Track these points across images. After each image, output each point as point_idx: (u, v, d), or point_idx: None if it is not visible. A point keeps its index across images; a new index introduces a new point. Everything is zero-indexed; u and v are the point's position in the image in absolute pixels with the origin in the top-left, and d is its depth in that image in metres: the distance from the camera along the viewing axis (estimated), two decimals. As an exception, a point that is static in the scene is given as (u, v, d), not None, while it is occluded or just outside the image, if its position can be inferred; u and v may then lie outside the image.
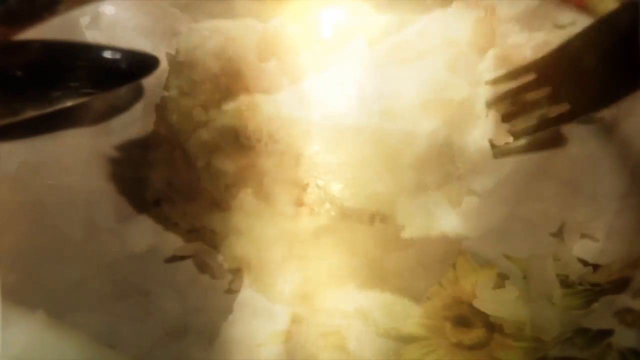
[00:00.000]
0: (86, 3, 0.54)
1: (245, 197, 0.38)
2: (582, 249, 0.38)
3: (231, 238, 0.38)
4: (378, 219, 0.38)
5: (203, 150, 0.39)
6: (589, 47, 0.45)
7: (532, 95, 0.45)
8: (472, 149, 0.42)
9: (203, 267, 0.39)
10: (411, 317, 0.35)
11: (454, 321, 0.35)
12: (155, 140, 0.43)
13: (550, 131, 0.45)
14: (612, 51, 0.44)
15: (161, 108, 0.42)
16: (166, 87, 0.41)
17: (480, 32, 0.43)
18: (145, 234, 0.41)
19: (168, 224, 0.41)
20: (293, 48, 0.40)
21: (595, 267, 0.37)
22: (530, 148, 0.45)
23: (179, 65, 0.40)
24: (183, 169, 0.41)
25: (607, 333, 0.32)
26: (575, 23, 0.49)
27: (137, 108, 0.50)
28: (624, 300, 0.34)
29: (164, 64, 0.44)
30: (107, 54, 0.51)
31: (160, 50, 0.48)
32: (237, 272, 0.38)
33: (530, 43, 0.47)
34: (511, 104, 0.45)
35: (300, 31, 0.41)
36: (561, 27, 0.50)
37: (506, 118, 0.44)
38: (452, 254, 0.38)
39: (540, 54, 0.46)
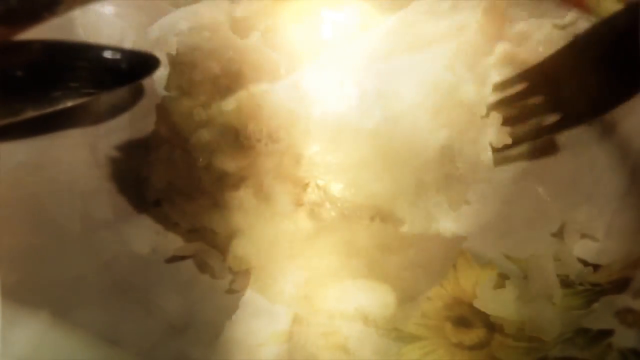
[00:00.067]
0: (86, 3, 0.54)
1: (245, 197, 0.38)
2: (582, 249, 0.38)
3: (231, 238, 0.38)
4: (378, 219, 0.38)
5: (203, 150, 0.39)
6: (586, 53, 0.45)
7: (528, 102, 0.45)
8: (473, 149, 0.42)
9: (203, 267, 0.39)
10: (411, 317, 0.35)
11: (454, 321, 0.35)
12: (156, 140, 0.43)
13: (544, 139, 0.44)
14: (611, 56, 0.44)
15: (162, 108, 0.42)
16: (167, 87, 0.41)
17: (486, 26, 0.43)
18: (145, 233, 0.41)
19: (168, 223, 0.41)
20: (293, 47, 0.40)
21: (596, 267, 0.37)
22: (523, 156, 0.44)
23: (179, 65, 0.40)
24: (183, 169, 0.41)
25: (607, 333, 0.32)
26: (575, 23, 0.49)
27: (138, 108, 0.50)
28: (625, 300, 0.34)
29: (164, 64, 0.44)
30: (108, 54, 0.51)
31: (160, 50, 0.48)
32: (237, 272, 0.38)
33: (537, 36, 0.47)
34: (511, 109, 0.45)
35: (300, 31, 0.41)
36: (561, 27, 0.50)
37: (506, 122, 0.44)
38: (452, 254, 0.38)
39: (544, 51, 0.46)
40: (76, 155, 0.46)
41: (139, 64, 0.50)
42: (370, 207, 0.38)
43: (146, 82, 0.50)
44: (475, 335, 0.35)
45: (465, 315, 0.36)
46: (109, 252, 0.39)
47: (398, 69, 0.41)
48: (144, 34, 0.53)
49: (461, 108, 0.41)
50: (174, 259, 0.39)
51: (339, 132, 0.39)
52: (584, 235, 0.39)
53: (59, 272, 0.38)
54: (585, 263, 0.37)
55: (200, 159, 0.39)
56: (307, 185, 0.38)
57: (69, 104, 0.47)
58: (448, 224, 0.39)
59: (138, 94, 0.51)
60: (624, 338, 0.32)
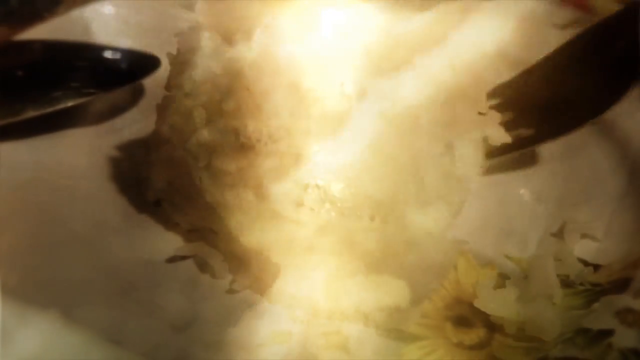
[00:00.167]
0: (86, 3, 0.54)
1: (245, 197, 0.38)
2: (582, 249, 0.38)
3: (231, 238, 0.38)
4: (378, 219, 0.38)
5: (203, 150, 0.39)
6: (584, 53, 0.45)
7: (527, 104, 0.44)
8: (473, 149, 0.42)
9: (204, 267, 0.39)
10: (412, 317, 0.35)
11: (455, 321, 0.35)
12: (156, 140, 0.43)
13: (524, 151, 0.43)
14: (609, 56, 0.44)
15: (162, 108, 0.42)
16: (167, 87, 0.41)
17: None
18: (145, 233, 0.41)
19: (169, 223, 0.41)
20: (293, 47, 0.40)
21: (596, 267, 0.37)
22: (504, 167, 0.43)
23: (180, 65, 0.40)
24: (184, 169, 0.41)
25: (607, 333, 0.32)
26: (575, 23, 0.49)
27: (138, 108, 0.50)
28: (625, 300, 0.34)
29: (165, 64, 0.44)
30: (108, 54, 0.51)
31: (160, 50, 0.48)
32: (237, 272, 0.38)
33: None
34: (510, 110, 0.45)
35: (300, 31, 0.41)
36: (561, 27, 0.50)
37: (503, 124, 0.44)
38: (452, 254, 0.38)
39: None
40: (77, 155, 0.46)
41: (139, 64, 0.50)
42: (370, 207, 0.38)
43: (146, 82, 0.50)
44: (475, 335, 0.35)
45: (465, 315, 0.36)
46: (110, 252, 0.39)
47: (398, 69, 0.41)
48: (144, 34, 0.53)
49: (461, 108, 0.41)
50: (175, 259, 0.39)
51: (339, 132, 0.39)
52: (584, 235, 0.39)
53: (65, 271, 0.38)
54: (585, 263, 0.38)
55: (200, 159, 0.39)
56: (307, 185, 0.38)
57: (70, 104, 0.47)
58: (448, 224, 0.39)
59: (138, 94, 0.51)
60: (624, 338, 0.32)
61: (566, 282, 0.36)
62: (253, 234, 0.38)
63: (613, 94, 0.43)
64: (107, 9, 0.54)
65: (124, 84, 0.49)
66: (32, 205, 0.42)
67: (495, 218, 0.41)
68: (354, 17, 0.43)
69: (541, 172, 0.44)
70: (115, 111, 0.50)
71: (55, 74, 0.49)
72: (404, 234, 0.38)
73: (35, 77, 0.48)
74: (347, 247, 0.37)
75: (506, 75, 0.46)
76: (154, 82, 0.48)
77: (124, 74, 0.49)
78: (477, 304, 0.36)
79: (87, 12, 0.54)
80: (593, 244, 0.39)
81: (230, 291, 0.37)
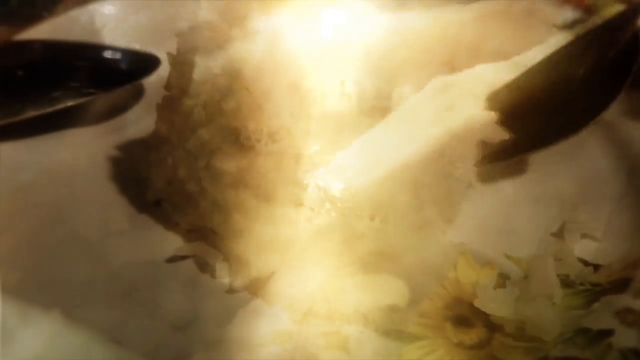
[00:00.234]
0: (86, 3, 0.54)
1: (245, 197, 0.38)
2: (582, 248, 0.38)
3: (231, 238, 0.38)
4: (378, 219, 0.38)
5: (203, 150, 0.39)
6: (584, 55, 0.45)
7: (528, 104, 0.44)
8: (473, 149, 0.42)
9: (204, 267, 0.39)
10: (410, 316, 0.35)
11: (455, 321, 0.35)
12: (156, 140, 0.43)
13: (519, 157, 0.43)
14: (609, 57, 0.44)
15: (162, 108, 0.42)
16: (167, 87, 0.41)
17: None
18: (145, 233, 0.41)
19: (169, 223, 0.41)
20: (293, 47, 0.40)
21: (596, 267, 0.37)
22: (497, 175, 0.43)
23: (179, 65, 0.40)
24: (184, 169, 0.41)
25: (607, 333, 0.32)
26: (575, 23, 0.49)
27: (138, 108, 0.50)
28: (625, 300, 0.34)
29: (164, 64, 0.44)
30: (108, 54, 0.51)
31: (160, 50, 0.48)
32: (237, 272, 0.38)
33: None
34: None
35: (300, 31, 0.41)
36: (561, 27, 0.50)
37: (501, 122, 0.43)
38: (452, 255, 0.38)
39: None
40: (77, 155, 0.46)
41: (139, 64, 0.50)
42: (370, 207, 0.38)
43: (146, 82, 0.50)
44: (475, 335, 0.35)
45: (465, 315, 0.36)
46: (110, 252, 0.39)
47: (398, 68, 0.41)
48: (144, 34, 0.53)
49: (461, 108, 0.41)
50: (175, 258, 0.39)
51: (339, 132, 0.39)
52: (584, 235, 0.39)
53: (66, 271, 0.38)
54: (585, 263, 0.37)
55: (200, 159, 0.39)
56: (307, 185, 0.38)
57: (70, 103, 0.47)
58: (448, 223, 0.39)
59: (138, 94, 0.51)
60: (624, 338, 0.32)
61: (566, 282, 0.36)
62: (253, 234, 0.38)
63: (610, 95, 0.43)
64: (107, 9, 0.54)
65: (124, 84, 0.49)
66: (32, 205, 0.42)
67: (495, 218, 0.41)
68: (354, 17, 0.43)
69: (541, 172, 0.44)
70: (115, 111, 0.50)
71: (55, 74, 0.49)
72: (404, 234, 0.38)
73: (35, 77, 0.49)
74: (347, 247, 0.37)
75: (505, 75, 0.46)
76: (154, 82, 0.49)
77: (124, 74, 0.49)
78: (477, 303, 0.36)
79: (87, 12, 0.54)
80: (593, 244, 0.39)
81: (230, 291, 0.37)
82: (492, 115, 0.42)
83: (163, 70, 0.45)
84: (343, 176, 0.38)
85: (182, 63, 0.40)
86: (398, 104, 0.41)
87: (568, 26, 0.50)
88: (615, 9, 0.49)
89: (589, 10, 0.51)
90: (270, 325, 0.35)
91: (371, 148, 0.39)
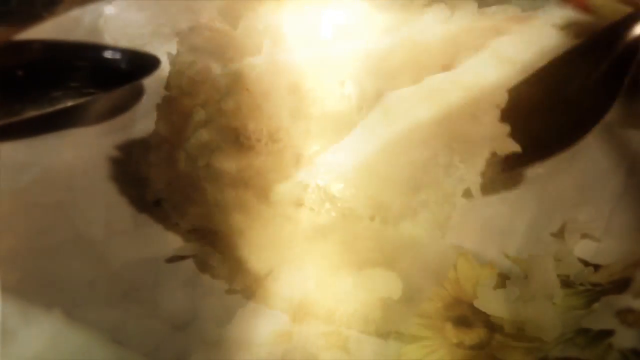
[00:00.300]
0: (86, 3, 0.54)
1: (245, 197, 0.38)
2: (582, 248, 0.38)
3: (231, 238, 0.38)
4: (378, 219, 0.38)
5: (203, 150, 0.39)
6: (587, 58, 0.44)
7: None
8: (472, 148, 0.42)
9: (204, 267, 0.39)
10: (412, 317, 0.35)
11: (455, 321, 0.35)
12: (156, 140, 0.43)
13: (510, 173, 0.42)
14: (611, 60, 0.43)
15: (162, 108, 0.42)
16: (167, 87, 0.41)
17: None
18: (145, 233, 0.41)
19: (168, 223, 0.41)
20: (293, 47, 0.40)
21: (596, 267, 0.37)
22: (492, 190, 0.42)
23: (179, 64, 0.40)
24: (183, 168, 0.41)
25: (608, 333, 0.32)
26: (575, 23, 0.49)
27: (138, 108, 0.50)
28: (625, 300, 0.34)
29: (164, 64, 0.44)
30: (108, 54, 0.51)
31: (160, 50, 0.48)
32: (237, 272, 0.38)
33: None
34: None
35: (300, 31, 0.41)
36: (561, 27, 0.50)
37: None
38: (452, 254, 0.38)
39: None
40: (77, 155, 0.46)
41: (139, 64, 0.50)
42: (370, 207, 0.38)
43: (146, 82, 0.50)
44: (475, 335, 0.35)
45: (465, 315, 0.36)
46: (110, 253, 0.39)
47: (398, 68, 0.41)
48: (144, 34, 0.53)
49: (461, 107, 0.41)
50: (174, 258, 0.39)
51: (339, 132, 0.39)
52: (584, 235, 0.39)
53: (67, 271, 0.38)
54: (585, 263, 0.37)
55: (200, 159, 0.39)
56: (307, 185, 0.38)
57: (70, 103, 0.47)
58: (448, 223, 0.39)
59: (138, 94, 0.51)
60: (624, 338, 0.32)
61: (566, 282, 0.36)
62: (253, 234, 0.38)
63: (609, 100, 0.43)
64: (107, 9, 0.54)
65: (123, 84, 0.49)
66: (32, 205, 0.42)
67: (495, 218, 0.41)
68: (354, 17, 0.43)
69: (541, 173, 0.44)
70: (115, 111, 0.50)
71: (55, 74, 0.49)
72: (404, 234, 0.38)
73: (35, 77, 0.49)
74: (347, 247, 0.37)
75: (505, 75, 0.46)
76: (153, 82, 0.49)
77: (123, 74, 0.49)
78: (477, 304, 0.36)
79: (87, 12, 0.54)
80: (593, 244, 0.39)
81: (230, 291, 0.37)
82: (503, 128, 0.40)
83: (163, 70, 0.45)
84: (343, 176, 0.38)
85: (182, 63, 0.40)
86: (397, 104, 0.40)
87: (568, 26, 0.50)
88: (615, 9, 0.49)
89: (589, 10, 0.51)
90: (269, 325, 0.35)
91: (372, 147, 0.39)
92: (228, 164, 0.38)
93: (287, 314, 0.36)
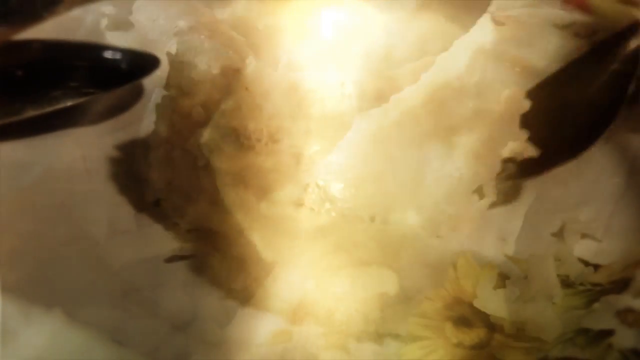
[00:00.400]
0: (86, 3, 0.54)
1: (245, 197, 0.38)
2: (583, 248, 0.38)
3: (231, 238, 0.38)
4: (378, 219, 0.38)
5: (203, 150, 0.39)
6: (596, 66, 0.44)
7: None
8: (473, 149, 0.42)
9: (203, 267, 0.39)
10: (412, 317, 0.35)
11: (455, 321, 0.35)
12: (156, 140, 0.43)
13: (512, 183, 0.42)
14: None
15: (162, 108, 0.42)
16: (166, 87, 0.41)
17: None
18: (145, 233, 0.41)
19: (168, 223, 0.41)
20: (293, 47, 0.40)
21: (596, 267, 0.37)
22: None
23: (179, 64, 0.40)
24: (183, 169, 0.41)
25: (608, 333, 0.32)
26: (575, 23, 0.49)
27: (138, 108, 0.50)
28: (625, 300, 0.34)
29: (164, 64, 0.44)
30: (107, 54, 0.51)
31: (160, 50, 0.48)
32: (237, 272, 0.38)
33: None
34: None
35: (300, 31, 0.41)
36: (561, 27, 0.50)
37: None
38: (452, 254, 0.38)
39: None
40: (76, 155, 0.46)
41: (139, 64, 0.50)
42: (370, 207, 0.38)
43: (146, 82, 0.50)
44: (475, 335, 0.35)
45: (465, 315, 0.36)
46: (109, 253, 0.39)
47: (398, 69, 0.41)
48: (144, 34, 0.53)
49: (461, 107, 0.41)
50: (174, 258, 0.39)
51: (339, 132, 0.39)
52: (584, 235, 0.39)
53: (69, 274, 0.38)
54: (585, 263, 0.37)
55: (200, 159, 0.39)
56: (307, 185, 0.38)
57: (69, 103, 0.47)
58: (448, 223, 0.39)
59: (138, 94, 0.51)
60: (624, 338, 0.32)
61: (566, 282, 0.36)
62: (253, 234, 0.38)
63: (614, 109, 0.43)
64: (107, 9, 0.54)
65: (124, 84, 0.49)
66: (32, 205, 0.42)
67: (495, 218, 0.41)
68: (354, 17, 0.43)
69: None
70: (115, 111, 0.50)
71: (55, 74, 0.49)
72: (405, 234, 0.38)
73: (35, 76, 0.48)
74: (348, 248, 0.37)
75: (505, 75, 0.46)
76: (153, 82, 0.48)
77: (123, 74, 0.49)
78: (477, 304, 0.36)
79: (87, 11, 0.54)
80: (593, 244, 0.39)
81: (230, 291, 0.37)
82: (522, 133, 0.40)
83: (163, 70, 0.45)
84: (343, 176, 0.38)
85: (182, 63, 0.40)
86: (399, 104, 0.40)
87: (568, 26, 0.50)
88: (615, 8, 0.49)
89: (589, 10, 0.51)
90: (269, 326, 0.35)
91: (372, 147, 0.39)
92: (228, 164, 0.38)
93: (287, 314, 0.36)
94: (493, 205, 0.40)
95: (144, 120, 0.47)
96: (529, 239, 0.39)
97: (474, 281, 0.37)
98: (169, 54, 0.42)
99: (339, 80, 0.40)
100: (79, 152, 0.46)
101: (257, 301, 0.37)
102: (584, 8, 0.51)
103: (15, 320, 0.34)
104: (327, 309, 0.36)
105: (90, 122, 0.48)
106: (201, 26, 0.41)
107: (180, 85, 0.40)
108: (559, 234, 0.39)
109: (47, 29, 0.52)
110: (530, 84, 0.44)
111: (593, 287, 0.36)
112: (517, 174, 0.41)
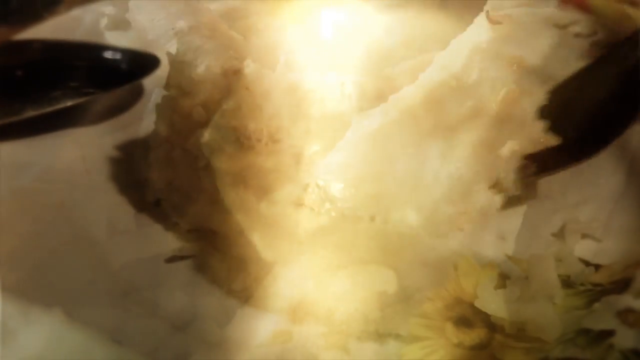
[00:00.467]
0: (86, 3, 0.54)
1: (246, 197, 0.38)
2: (583, 249, 0.38)
3: (231, 238, 0.38)
4: (378, 219, 0.38)
5: (203, 150, 0.39)
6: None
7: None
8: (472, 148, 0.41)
9: (203, 267, 0.39)
10: (412, 317, 0.35)
11: (455, 321, 0.35)
12: (156, 140, 0.43)
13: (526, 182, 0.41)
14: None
15: (162, 108, 0.42)
16: (167, 87, 0.41)
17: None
18: (145, 233, 0.41)
19: (168, 223, 0.41)
20: (293, 47, 0.40)
21: (597, 267, 0.37)
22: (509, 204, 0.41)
23: (179, 64, 0.40)
24: (183, 168, 0.41)
25: (608, 333, 0.32)
26: (575, 23, 0.49)
27: (138, 108, 0.50)
28: (626, 300, 0.34)
29: (164, 64, 0.44)
30: (108, 54, 0.51)
31: (160, 50, 0.48)
32: (237, 272, 0.38)
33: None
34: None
35: (300, 31, 0.41)
36: (561, 27, 0.50)
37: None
38: (452, 254, 0.38)
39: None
40: (77, 155, 0.46)
41: (139, 64, 0.50)
42: (370, 207, 0.38)
43: (146, 82, 0.50)
44: (476, 335, 0.35)
45: (466, 316, 0.36)
46: (109, 253, 0.39)
47: (398, 68, 0.41)
48: (144, 34, 0.52)
49: (461, 106, 0.41)
50: (174, 258, 0.39)
51: (338, 132, 0.39)
52: (584, 236, 0.39)
53: (69, 274, 0.38)
54: (586, 263, 0.37)
55: (200, 159, 0.39)
56: (307, 185, 0.38)
57: (69, 103, 0.47)
58: (448, 223, 0.39)
59: (138, 94, 0.51)
60: (625, 338, 0.31)
61: (567, 283, 0.36)
62: (253, 234, 0.38)
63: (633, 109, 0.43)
64: (107, 9, 0.54)
65: (123, 84, 0.49)
66: (32, 205, 0.42)
67: (495, 218, 0.41)
68: (354, 17, 0.43)
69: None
70: (115, 111, 0.50)
71: (55, 74, 0.49)
72: (404, 234, 0.38)
73: (35, 76, 0.49)
74: (348, 247, 0.37)
75: (505, 75, 0.46)
76: (153, 82, 0.49)
77: (123, 74, 0.50)
78: (478, 304, 0.36)
79: (87, 12, 0.54)
80: (593, 244, 0.39)
81: (230, 291, 0.37)
82: (539, 124, 0.40)
83: (163, 70, 0.45)
84: (343, 176, 0.38)
85: (182, 63, 0.40)
86: (397, 104, 0.40)
87: (568, 26, 0.50)
88: (615, 8, 0.49)
89: (589, 10, 0.51)
90: (269, 325, 0.35)
91: (371, 147, 0.39)
92: (228, 164, 0.38)
93: (287, 314, 0.36)
94: (504, 206, 0.40)
95: (144, 120, 0.47)
96: (529, 239, 0.39)
97: (475, 281, 0.37)
98: (169, 54, 0.42)
99: (339, 80, 0.40)
100: (79, 152, 0.46)
101: (257, 301, 0.37)
102: (583, 7, 0.51)
103: (15, 320, 0.34)
104: (327, 308, 0.36)
105: (90, 122, 0.48)
106: (201, 26, 0.41)
107: (180, 85, 0.40)
108: (559, 234, 0.39)
109: (47, 29, 0.52)
110: (527, 82, 0.44)
111: (594, 287, 0.36)
112: (536, 170, 0.41)
